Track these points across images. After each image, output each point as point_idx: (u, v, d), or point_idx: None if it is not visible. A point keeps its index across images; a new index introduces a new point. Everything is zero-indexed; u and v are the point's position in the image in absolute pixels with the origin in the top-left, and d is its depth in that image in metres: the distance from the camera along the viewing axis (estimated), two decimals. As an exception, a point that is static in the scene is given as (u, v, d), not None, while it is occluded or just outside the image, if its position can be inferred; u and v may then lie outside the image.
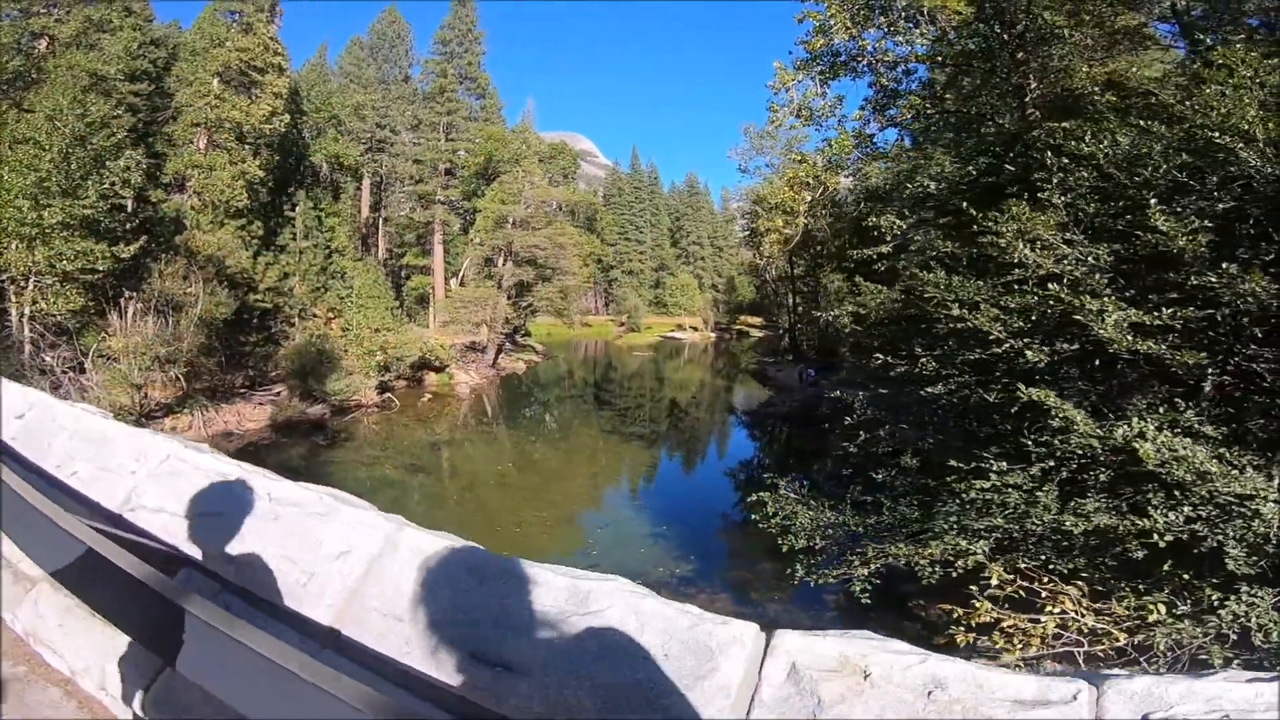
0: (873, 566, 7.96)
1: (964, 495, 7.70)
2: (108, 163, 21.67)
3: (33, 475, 2.23)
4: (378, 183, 48.25)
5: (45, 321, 20.98)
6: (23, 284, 20.30)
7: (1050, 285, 7.27)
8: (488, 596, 1.67)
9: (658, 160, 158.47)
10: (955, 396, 8.13)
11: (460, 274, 43.99)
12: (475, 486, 20.39)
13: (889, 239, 10.48)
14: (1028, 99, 11.61)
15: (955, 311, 7.31)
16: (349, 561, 1.85)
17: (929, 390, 8.13)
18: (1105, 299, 6.63)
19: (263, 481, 2.14)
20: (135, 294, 22.26)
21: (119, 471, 2.29)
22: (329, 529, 1.95)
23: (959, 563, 7.12)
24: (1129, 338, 6.65)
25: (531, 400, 38.58)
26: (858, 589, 8.01)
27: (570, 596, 1.66)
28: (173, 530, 2.06)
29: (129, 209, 24.11)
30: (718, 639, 1.51)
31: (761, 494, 9.64)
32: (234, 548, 1.94)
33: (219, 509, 2.05)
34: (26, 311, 20.66)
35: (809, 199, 13.38)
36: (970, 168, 9.99)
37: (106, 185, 21.43)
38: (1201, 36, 9.83)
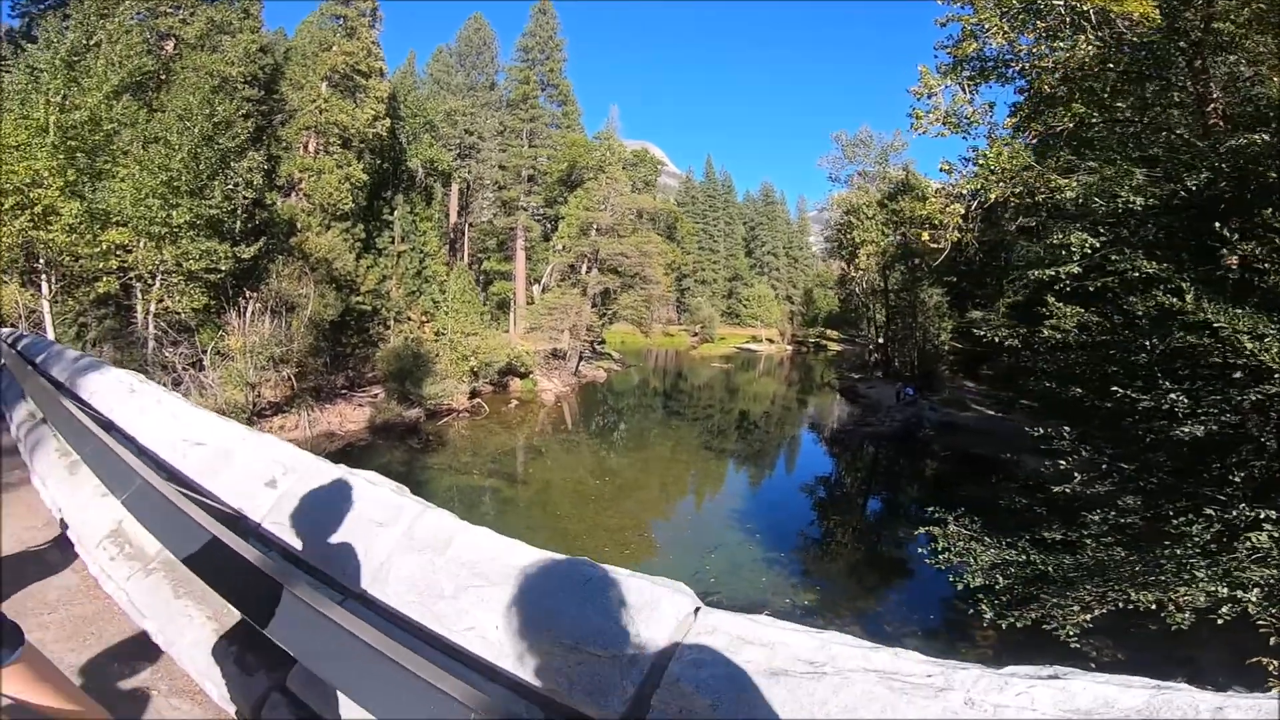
0: (1096, 611, 6.93)
1: (1198, 539, 6.69)
2: (232, 163, 22.34)
3: (327, 588, 1.58)
4: (464, 188, 48.97)
5: (169, 319, 21.75)
6: (150, 282, 21.08)
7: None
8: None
9: (731, 169, 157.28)
10: (1218, 437, 6.99)
11: (543, 280, 44.07)
12: (573, 501, 19.87)
13: (1077, 257, 9.27)
14: (1210, 108, 10.60)
15: (1248, 346, 6.20)
16: None
17: (1186, 430, 6.96)
18: None
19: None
20: (253, 294, 22.90)
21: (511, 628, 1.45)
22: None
23: (1222, 610, 6.11)
24: None
25: (616, 410, 38.20)
26: (1070, 633, 7.13)
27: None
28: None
29: (245, 210, 24.88)
30: None
31: (931, 528, 8.76)
32: None
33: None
34: (152, 309, 21.47)
35: (962, 211, 12.24)
36: (1189, 183, 8.73)
37: (230, 186, 22.10)
38: None
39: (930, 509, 8.90)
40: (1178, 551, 6.75)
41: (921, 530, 9.06)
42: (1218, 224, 7.17)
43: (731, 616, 1.36)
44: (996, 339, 11.44)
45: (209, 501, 1.87)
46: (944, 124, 12.83)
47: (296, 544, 1.74)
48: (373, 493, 1.78)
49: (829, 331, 75.46)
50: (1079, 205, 9.68)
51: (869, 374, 45.29)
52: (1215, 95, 10.72)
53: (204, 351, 22.17)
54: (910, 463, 26.78)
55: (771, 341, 77.14)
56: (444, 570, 1.50)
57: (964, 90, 12.95)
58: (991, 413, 29.48)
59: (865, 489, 24.53)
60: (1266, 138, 8.27)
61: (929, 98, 12.91)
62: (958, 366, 37.89)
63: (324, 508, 1.76)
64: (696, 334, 75.39)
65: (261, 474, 2.01)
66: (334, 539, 1.67)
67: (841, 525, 19.48)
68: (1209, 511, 6.49)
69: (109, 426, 3.48)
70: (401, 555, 1.57)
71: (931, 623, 11.41)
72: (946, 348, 37.28)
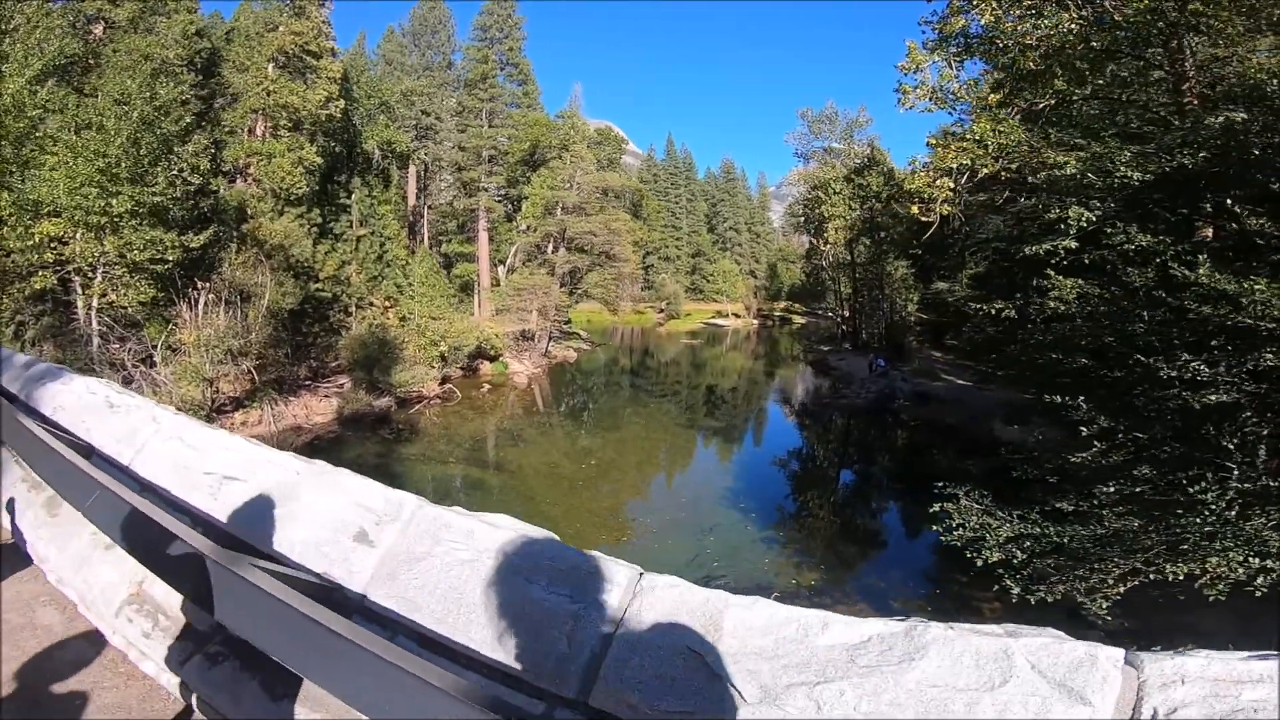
0: (1131, 583, 6.93)
1: (1214, 507, 6.70)
2: (176, 148, 20.95)
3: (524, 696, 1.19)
4: (422, 170, 47.56)
5: (114, 314, 20.48)
6: (90, 275, 19.80)
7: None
8: None
9: (691, 147, 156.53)
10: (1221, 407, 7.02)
11: (508, 261, 43.24)
12: (558, 486, 19.41)
13: (1074, 231, 9.28)
14: (1185, 87, 10.98)
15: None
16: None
17: (1210, 398, 6.94)
18: None
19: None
20: (205, 284, 21.64)
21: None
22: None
23: (1259, 580, 6.12)
24: None
25: (590, 390, 37.83)
26: (1101, 606, 7.15)
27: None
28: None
29: (191, 197, 23.39)
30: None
31: (946, 504, 8.65)
32: None
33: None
34: (94, 304, 20.18)
35: (951, 185, 12.29)
36: (1183, 159, 8.77)
37: (175, 172, 20.73)
38: None
39: (940, 484, 8.79)
40: (1195, 520, 6.74)
41: (935, 507, 8.92)
42: (1210, 198, 7.19)
43: (1184, 657, 1.03)
44: (992, 312, 11.38)
45: (286, 569, 1.40)
46: (931, 99, 12.86)
47: (433, 627, 1.29)
48: (538, 549, 1.33)
49: (793, 304, 76.35)
50: (1075, 181, 9.67)
51: (838, 345, 45.77)
52: (1191, 74, 11.04)
53: (154, 347, 20.92)
54: (891, 435, 27.04)
55: (737, 316, 77.53)
56: (736, 665, 1.08)
57: (950, 66, 12.98)
58: (962, 382, 30.00)
59: (852, 463, 24.64)
60: (1244, 115, 8.38)
61: (916, 73, 12.89)
62: (924, 337, 38.51)
63: (461, 573, 1.30)
64: (662, 310, 75.18)
65: (345, 523, 1.52)
66: (496, 620, 1.22)
67: (833, 501, 19.53)
68: (1234, 485, 6.49)
69: (89, 453, 2.94)
70: (640, 650, 1.15)
71: (937, 595, 11.42)
72: (913, 319, 37.85)
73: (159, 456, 2.30)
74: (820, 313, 64.64)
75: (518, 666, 1.22)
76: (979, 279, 33.47)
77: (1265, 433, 7.52)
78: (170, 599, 1.66)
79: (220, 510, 1.77)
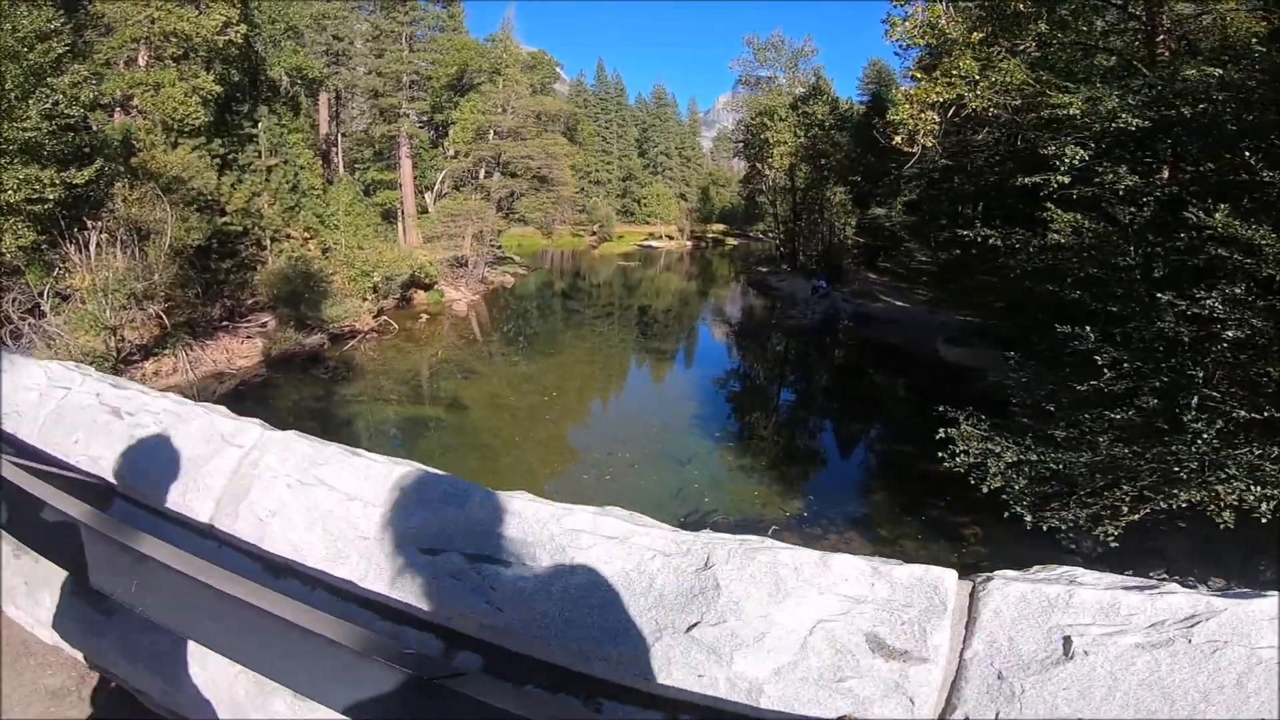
0: (1139, 511, 7.20)
1: (1205, 436, 6.93)
2: (49, 80, 17.95)
3: None
4: (333, 97, 43.72)
5: (-12, 262, 17.93)
6: (-47, 221, 17.16)
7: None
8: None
9: (622, 73, 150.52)
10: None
11: (436, 187, 40.99)
12: (518, 421, 18.60)
13: (1062, 169, 9.40)
14: (1160, 39, 11.54)
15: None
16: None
17: (1229, 334, 7.09)
18: None
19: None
20: (95, 224, 19.11)
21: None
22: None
23: (1263, 507, 6.40)
24: None
25: (530, 316, 36.92)
26: (1111, 532, 7.35)
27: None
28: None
29: (71, 131, 20.23)
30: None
31: (949, 430, 8.77)
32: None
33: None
34: (-40, 251, 17.60)
35: (937, 119, 12.49)
36: (1181, 109, 8.78)
37: (49, 105, 17.81)
38: None
39: (941, 408, 8.79)
40: (1189, 449, 6.91)
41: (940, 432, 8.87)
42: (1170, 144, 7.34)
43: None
44: (986, 241, 11.39)
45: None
46: (920, 34, 12.83)
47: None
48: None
49: (726, 227, 76.36)
50: (1072, 121, 9.76)
51: (776, 267, 46.37)
52: (1168, 27, 11.61)
53: (41, 295, 18.55)
54: (843, 356, 27.56)
55: (670, 238, 76.89)
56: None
57: (943, 2, 13.14)
58: (900, 304, 30.88)
59: (814, 386, 24.89)
60: (1219, 72, 8.66)
61: (908, 4, 13.24)
62: (860, 259, 39.62)
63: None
64: (595, 233, 73.58)
65: (848, 649, 0.98)
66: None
67: (803, 426, 19.78)
68: (1237, 412, 6.70)
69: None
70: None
71: (922, 524, 11.63)
72: (850, 242, 38.86)
73: (285, 517, 1.52)
74: (754, 235, 65.11)
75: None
76: (912, 206, 34.35)
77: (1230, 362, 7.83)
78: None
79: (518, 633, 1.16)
